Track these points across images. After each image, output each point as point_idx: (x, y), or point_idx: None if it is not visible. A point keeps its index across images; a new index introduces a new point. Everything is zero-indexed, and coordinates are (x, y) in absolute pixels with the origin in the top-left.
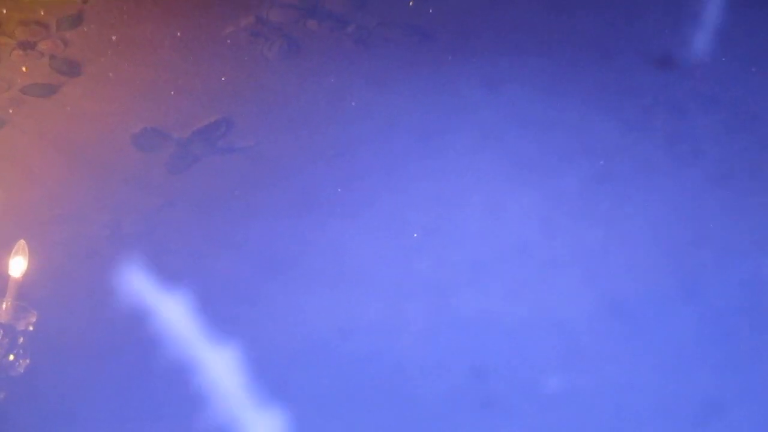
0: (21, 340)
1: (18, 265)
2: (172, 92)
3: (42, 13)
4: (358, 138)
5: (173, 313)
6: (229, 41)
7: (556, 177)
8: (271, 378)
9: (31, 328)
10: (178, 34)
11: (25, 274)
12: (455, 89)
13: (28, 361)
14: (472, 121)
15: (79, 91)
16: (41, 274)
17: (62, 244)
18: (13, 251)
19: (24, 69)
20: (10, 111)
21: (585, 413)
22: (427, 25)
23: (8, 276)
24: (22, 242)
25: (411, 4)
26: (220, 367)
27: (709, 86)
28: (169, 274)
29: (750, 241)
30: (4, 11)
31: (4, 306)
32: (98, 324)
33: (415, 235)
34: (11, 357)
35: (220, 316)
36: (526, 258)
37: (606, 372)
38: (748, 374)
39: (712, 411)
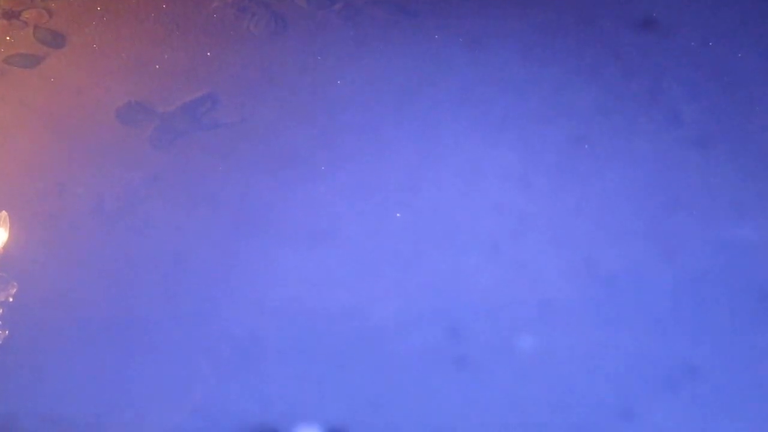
0: (0, 311)
1: None
2: (157, 66)
3: None
4: (340, 105)
5: (154, 285)
6: (215, 16)
7: (535, 139)
8: (244, 335)
9: (11, 300)
10: (164, 6)
11: (6, 247)
12: (435, 50)
13: (6, 332)
14: (451, 82)
15: (63, 63)
16: (23, 246)
17: (44, 217)
18: None
19: (8, 38)
20: None
21: (559, 374)
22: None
23: None
24: (3, 214)
25: None
26: (197, 329)
27: (688, 50)
28: (151, 248)
29: (728, 204)
30: None
31: None
32: (79, 298)
33: (399, 215)
34: None
35: (198, 281)
36: (503, 219)
37: (581, 333)
38: (724, 338)
39: (688, 374)
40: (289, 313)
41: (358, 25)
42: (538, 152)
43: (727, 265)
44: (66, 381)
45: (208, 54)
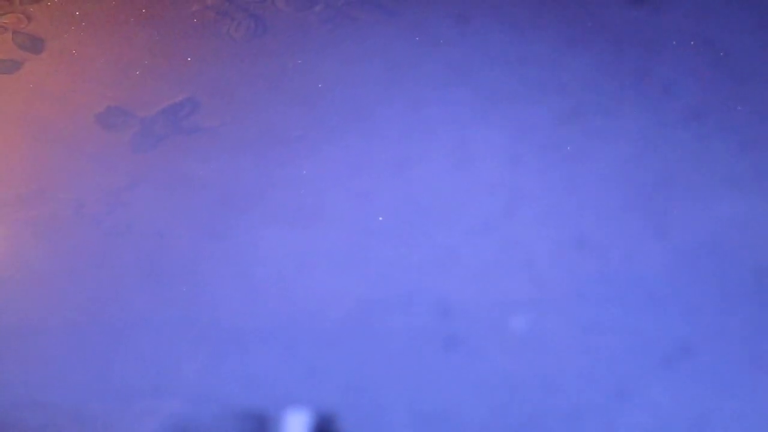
0: None
1: None
2: (137, 71)
3: None
4: (332, 76)
5: (138, 276)
6: (195, 20)
7: (524, 116)
8: (230, 319)
9: None
10: (143, 11)
11: None
12: (424, 23)
13: None
14: (440, 55)
15: (42, 68)
16: (2, 252)
17: (24, 224)
18: None
19: None
20: None
21: (552, 353)
22: (393, 2)
23: None
24: None
25: None
26: (182, 314)
27: (681, 23)
28: (131, 253)
29: (721, 179)
30: None
31: None
32: (61, 304)
33: (381, 218)
34: None
35: (182, 271)
36: (494, 195)
37: (573, 312)
38: (719, 314)
39: (682, 352)
40: (275, 295)
41: (338, 27)
42: (528, 129)
43: (722, 241)
44: (50, 368)
45: (189, 59)
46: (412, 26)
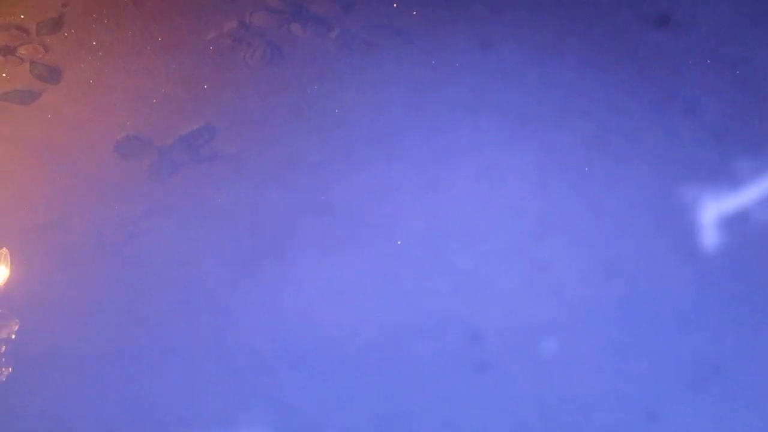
0: (2, 348)
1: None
2: (154, 100)
3: (22, 17)
4: (350, 102)
5: (160, 319)
6: (211, 48)
7: (551, 136)
8: (266, 345)
9: (12, 337)
10: (160, 39)
11: (7, 283)
12: (445, 48)
13: (10, 369)
14: (466, 80)
15: (60, 98)
16: (23, 282)
17: (44, 252)
18: None
19: (4, 75)
20: None
21: (581, 376)
22: (411, 27)
23: None
24: (4, 251)
25: (395, 6)
26: (212, 344)
27: (702, 45)
28: (151, 280)
29: (747, 198)
30: None
31: None
32: (81, 332)
33: (398, 242)
34: None
35: (206, 306)
36: (522, 218)
37: (603, 334)
38: (747, 334)
39: (712, 372)
40: (307, 323)
41: (354, 52)
42: (554, 153)
43: (749, 261)
44: (68, 418)
45: (205, 86)
46: (431, 52)
